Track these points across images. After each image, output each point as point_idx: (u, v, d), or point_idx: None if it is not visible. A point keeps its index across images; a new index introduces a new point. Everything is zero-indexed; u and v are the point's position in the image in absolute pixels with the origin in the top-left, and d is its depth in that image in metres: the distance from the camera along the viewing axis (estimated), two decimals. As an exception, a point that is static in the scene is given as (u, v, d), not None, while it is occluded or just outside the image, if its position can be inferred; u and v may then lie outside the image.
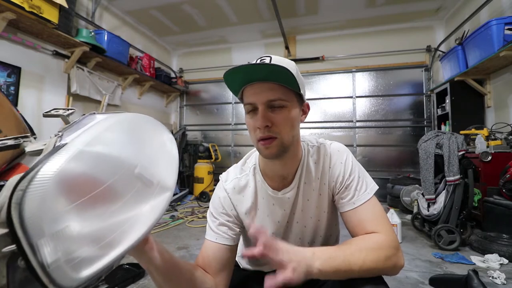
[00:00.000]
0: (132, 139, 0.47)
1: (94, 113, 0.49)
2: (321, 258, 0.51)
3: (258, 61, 0.61)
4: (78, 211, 0.35)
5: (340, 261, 0.52)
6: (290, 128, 0.62)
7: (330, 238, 0.76)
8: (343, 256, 0.53)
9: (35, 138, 0.42)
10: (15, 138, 0.43)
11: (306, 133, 4.27)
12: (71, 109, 0.52)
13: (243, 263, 0.83)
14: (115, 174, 0.39)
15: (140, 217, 0.40)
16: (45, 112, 0.51)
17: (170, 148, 0.52)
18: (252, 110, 0.62)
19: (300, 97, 0.65)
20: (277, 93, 0.59)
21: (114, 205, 0.38)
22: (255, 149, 0.77)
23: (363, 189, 0.66)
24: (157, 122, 0.55)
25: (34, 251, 0.30)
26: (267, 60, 0.61)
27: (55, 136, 0.42)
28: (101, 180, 0.38)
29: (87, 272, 0.33)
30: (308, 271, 0.50)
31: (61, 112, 0.51)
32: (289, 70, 0.56)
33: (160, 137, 0.52)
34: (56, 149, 0.37)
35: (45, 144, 0.41)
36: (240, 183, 0.73)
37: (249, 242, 0.76)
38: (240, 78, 0.60)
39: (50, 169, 0.34)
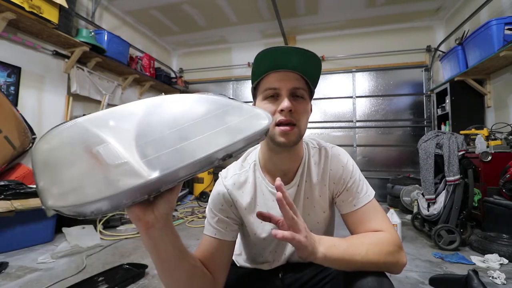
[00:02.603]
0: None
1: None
2: (326, 245, 0.53)
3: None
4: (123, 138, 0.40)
5: (343, 250, 0.54)
6: (306, 120, 0.65)
7: None
8: (346, 246, 0.54)
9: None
10: None
11: (306, 133, 4.25)
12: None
13: (240, 261, 0.83)
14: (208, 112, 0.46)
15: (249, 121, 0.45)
16: None
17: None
18: (272, 95, 0.64)
19: (311, 94, 0.68)
20: (300, 83, 0.63)
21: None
22: (255, 146, 0.77)
23: (363, 191, 0.67)
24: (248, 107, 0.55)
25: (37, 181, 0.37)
26: None
27: None
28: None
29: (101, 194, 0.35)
30: (313, 252, 0.50)
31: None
32: (320, 61, 0.62)
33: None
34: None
35: None
36: (240, 179, 0.73)
37: (247, 238, 0.76)
38: (269, 62, 0.62)
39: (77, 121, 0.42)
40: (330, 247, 0.53)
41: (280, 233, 0.46)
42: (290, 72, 0.63)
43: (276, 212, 0.71)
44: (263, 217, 0.55)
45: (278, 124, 0.61)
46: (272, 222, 0.54)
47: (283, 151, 0.66)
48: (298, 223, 0.49)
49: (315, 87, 0.68)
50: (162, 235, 0.46)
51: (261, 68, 0.64)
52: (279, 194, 0.48)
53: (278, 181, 0.49)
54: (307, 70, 0.63)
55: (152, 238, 0.46)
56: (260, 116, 0.48)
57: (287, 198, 0.49)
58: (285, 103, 0.60)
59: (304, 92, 0.64)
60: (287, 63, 0.61)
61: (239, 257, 0.84)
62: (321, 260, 0.52)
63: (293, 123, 0.62)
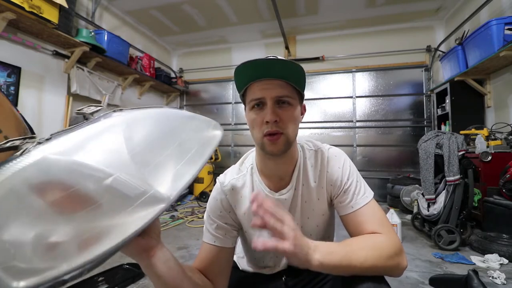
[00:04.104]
0: (135, 140, 0.44)
1: (115, 110, 0.49)
2: (322, 252, 0.50)
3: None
4: (24, 219, 0.34)
5: (340, 257, 0.52)
6: (294, 125, 0.63)
7: (327, 240, 0.76)
8: (344, 252, 0.52)
9: (32, 142, 0.42)
10: (23, 139, 0.43)
11: (306, 133, 4.27)
12: (99, 106, 0.52)
13: (242, 264, 0.83)
14: (76, 184, 0.37)
15: (111, 229, 0.37)
16: (77, 110, 0.53)
17: (196, 152, 0.48)
18: (257, 105, 0.62)
19: (301, 97, 0.66)
20: (285, 90, 0.61)
21: (70, 216, 0.36)
22: (252, 149, 0.76)
23: (361, 192, 0.66)
24: (193, 120, 0.53)
25: None
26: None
27: (37, 141, 0.42)
28: (57, 189, 0.37)
29: (28, 282, 0.32)
30: (307, 260, 0.48)
31: (90, 109, 0.52)
32: (302, 69, 0.59)
33: (190, 138, 0.50)
34: (11, 158, 0.37)
35: (25, 149, 0.42)
36: (237, 183, 0.72)
37: (248, 243, 0.76)
38: (250, 73, 0.60)
39: None
40: (327, 254, 0.51)
41: (260, 244, 0.44)
42: (274, 80, 0.60)
43: None
44: (257, 226, 0.54)
45: (266, 134, 0.60)
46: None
47: (276, 157, 0.65)
48: (282, 231, 0.46)
49: (303, 90, 0.65)
50: (163, 254, 0.50)
51: (243, 79, 0.62)
52: (254, 206, 0.46)
53: (254, 195, 0.47)
54: (291, 76, 0.60)
55: (156, 261, 0.49)
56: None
57: (267, 209, 0.46)
58: (268, 116, 0.59)
59: (290, 98, 0.62)
60: (269, 71, 0.59)
61: (242, 260, 0.83)
62: (317, 267, 0.50)
63: (280, 132, 0.60)
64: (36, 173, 0.37)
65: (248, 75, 0.61)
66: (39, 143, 0.41)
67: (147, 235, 0.48)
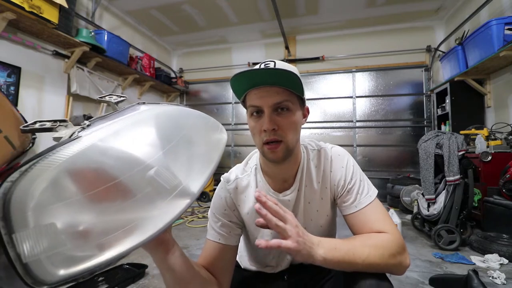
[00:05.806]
0: (165, 135, 0.45)
1: (139, 103, 0.50)
2: (326, 247, 0.52)
3: (263, 66, 0.62)
4: (75, 206, 0.34)
5: (343, 253, 0.52)
6: (294, 132, 0.63)
7: None
8: (347, 248, 0.53)
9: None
10: (54, 121, 0.43)
11: (306, 133, 4.27)
12: (122, 97, 0.52)
13: (244, 263, 0.83)
14: (124, 173, 0.37)
15: (145, 221, 0.37)
16: (99, 97, 0.52)
17: (211, 151, 0.50)
18: (256, 112, 0.62)
19: (302, 101, 0.66)
20: (283, 96, 0.60)
21: (116, 205, 0.36)
22: (256, 149, 0.77)
23: (365, 192, 0.66)
24: (208, 120, 0.55)
25: (13, 242, 0.30)
26: (271, 65, 0.61)
27: (81, 126, 0.42)
28: (107, 177, 0.36)
29: (70, 270, 0.32)
30: (310, 255, 0.49)
31: (113, 99, 0.51)
32: (297, 76, 0.58)
33: (205, 137, 0.51)
34: (63, 142, 0.37)
35: (72, 134, 0.41)
36: (242, 183, 0.73)
37: (250, 242, 0.76)
38: (246, 82, 0.60)
39: (48, 162, 0.34)
40: (331, 249, 0.52)
41: (263, 243, 0.45)
42: (271, 87, 0.60)
43: None
44: (261, 225, 0.54)
45: (265, 143, 0.61)
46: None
47: (277, 163, 0.65)
48: (285, 229, 0.48)
49: (302, 94, 0.64)
50: (176, 249, 0.52)
51: (241, 88, 0.63)
52: (257, 205, 0.47)
53: (257, 194, 0.49)
54: (286, 82, 0.60)
55: (171, 255, 0.51)
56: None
57: (271, 207, 0.48)
58: (266, 124, 0.59)
59: (289, 103, 0.61)
60: (264, 80, 0.59)
61: (244, 258, 0.83)
62: (320, 262, 0.51)
63: (279, 140, 0.60)
64: (90, 159, 0.37)
65: (244, 84, 0.61)
66: (83, 128, 0.41)
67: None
